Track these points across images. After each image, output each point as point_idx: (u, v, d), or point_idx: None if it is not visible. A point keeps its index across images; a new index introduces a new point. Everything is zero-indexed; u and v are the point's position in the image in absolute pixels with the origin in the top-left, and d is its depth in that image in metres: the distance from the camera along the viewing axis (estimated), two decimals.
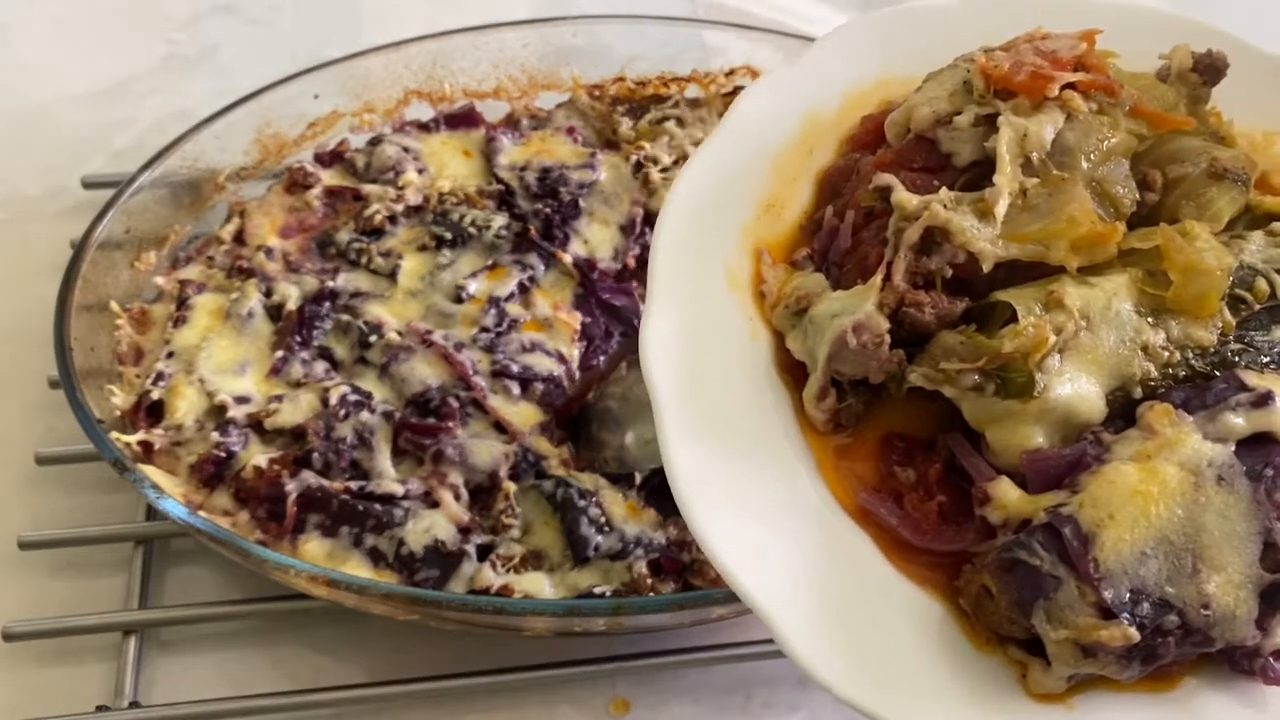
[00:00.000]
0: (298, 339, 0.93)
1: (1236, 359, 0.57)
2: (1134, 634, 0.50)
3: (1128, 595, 0.50)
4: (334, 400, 0.88)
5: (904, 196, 0.57)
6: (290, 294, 0.95)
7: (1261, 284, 0.57)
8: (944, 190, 0.57)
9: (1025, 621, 0.52)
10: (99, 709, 0.77)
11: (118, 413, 0.87)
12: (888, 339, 0.55)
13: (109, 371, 0.90)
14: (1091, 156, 0.59)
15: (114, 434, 0.82)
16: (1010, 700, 0.52)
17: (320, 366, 0.91)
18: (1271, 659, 0.52)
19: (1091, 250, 0.57)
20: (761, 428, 0.57)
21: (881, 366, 0.56)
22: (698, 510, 0.53)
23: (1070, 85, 0.59)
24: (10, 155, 1.16)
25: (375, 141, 1.08)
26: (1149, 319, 0.55)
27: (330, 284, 0.96)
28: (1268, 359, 0.57)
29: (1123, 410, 0.55)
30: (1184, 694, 0.53)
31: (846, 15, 1.33)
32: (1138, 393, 0.55)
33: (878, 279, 0.56)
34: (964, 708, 0.52)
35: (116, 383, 0.89)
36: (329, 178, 1.05)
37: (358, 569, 0.80)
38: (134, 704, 0.77)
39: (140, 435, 0.85)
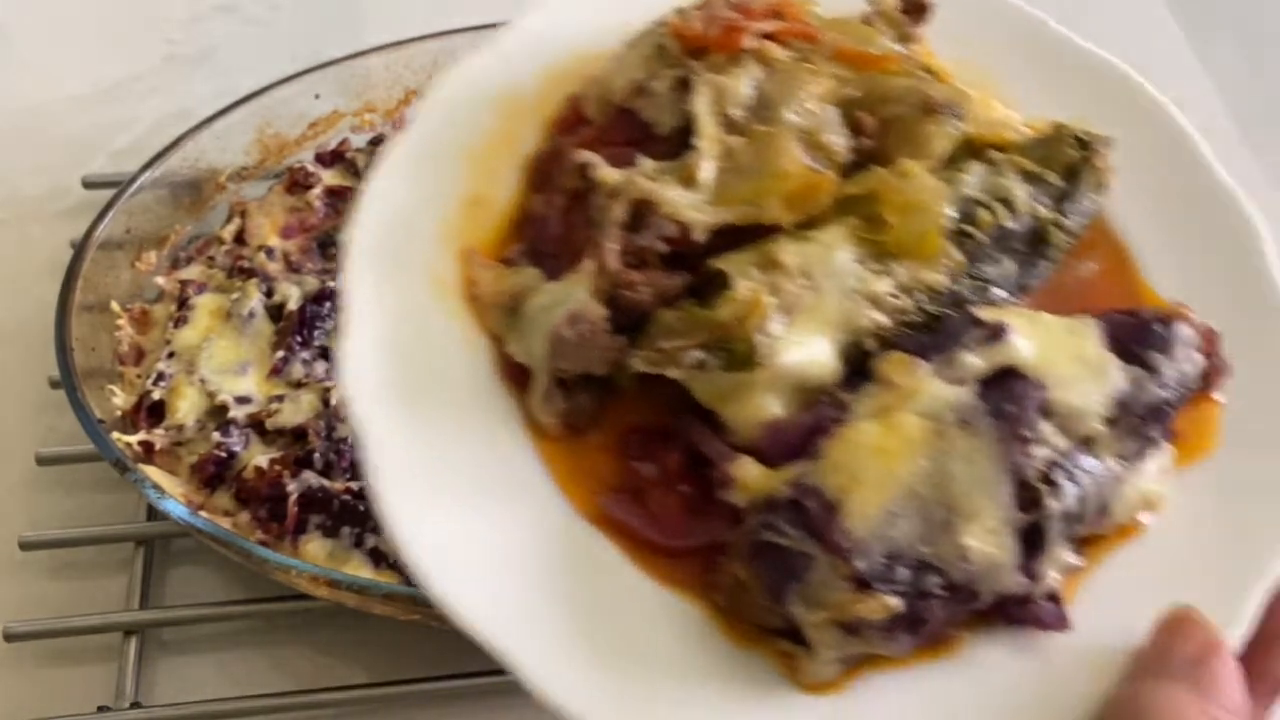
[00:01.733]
0: (299, 339, 0.92)
1: (972, 296, 0.54)
2: (894, 603, 0.46)
3: (882, 562, 0.46)
4: (335, 400, 0.87)
5: (605, 173, 0.53)
6: (291, 294, 0.95)
7: (985, 215, 0.55)
8: (647, 161, 0.53)
9: (781, 608, 0.47)
10: (100, 709, 0.76)
11: (118, 413, 0.87)
12: (606, 326, 0.51)
13: (110, 371, 0.90)
14: (797, 107, 0.55)
15: (115, 434, 0.82)
16: (781, 697, 0.48)
17: (321, 366, 0.91)
18: (1044, 603, 0.49)
19: (806, 203, 0.53)
20: (487, 443, 0.52)
21: (603, 356, 0.51)
22: (419, 551, 0.48)
23: (769, 36, 0.56)
24: (10, 155, 1.16)
25: (376, 141, 1.08)
26: (874, 267, 0.52)
27: (331, 284, 0.94)
28: (1004, 291, 0.55)
29: (861, 367, 0.51)
30: (964, 656, 0.49)
31: None
32: (873, 346, 0.52)
33: (589, 263, 0.52)
34: (732, 712, 0.48)
35: (117, 383, 0.89)
36: (330, 178, 1.05)
37: (359, 569, 0.80)
38: (135, 704, 0.76)
39: (141, 435, 0.85)
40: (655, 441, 0.53)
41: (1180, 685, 0.45)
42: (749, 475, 0.49)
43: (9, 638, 0.79)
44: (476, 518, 0.50)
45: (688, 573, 0.51)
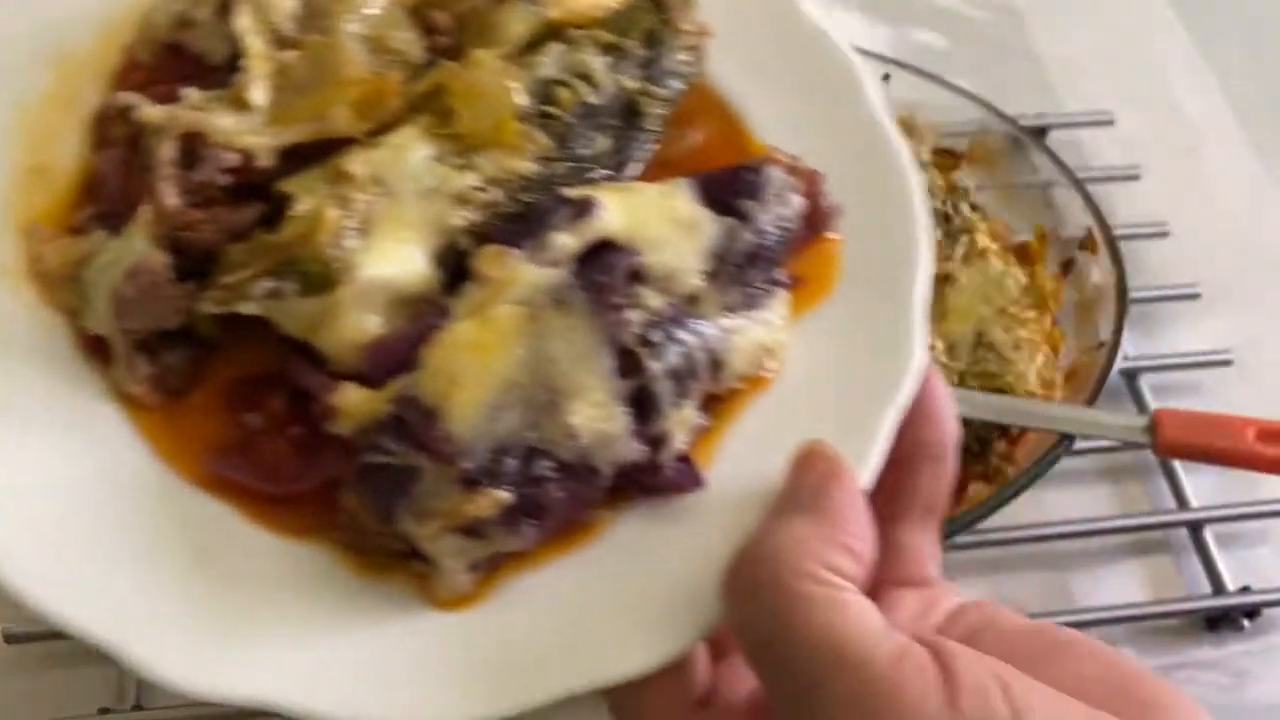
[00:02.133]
0: None
1: (569, 179, 0.52)
2: (503, 496, 0.44)
3: (488, 458, 0.44)
4: None
5: (147, 112, 0.49)
6: None
7: (565, 94, 0.53)
8: (193, 92, 0.50)
9: (393, 527, 0.45)
10: (102, 711, 0.75)
11: None
12: (169, 274, 0.47)
13: None
14: (354, 14, 0.52)
15: None
16: (417, 621, 0.46)
17: None
18: (672, 466, 0.48)
19: (375, 109, 0.50)
20: (63, 426, 0.48)
21: (172, 307, 0.47)
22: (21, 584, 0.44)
23: None
24: None
25: None
26: (455, 164, 0.50)
27: None
28: (605, 169, 0.53)
29: (462, 268, 0.49)
30: (606, 537, 0.48)
31: (849, 15, 1.19)
32: (469, 244, 0.49)
33: (146, 210, 0.48)
34: (364, 646, 0.46)
35: None
36: None
37: None
38: (137, 706, 0.75)
39: None
40: (260, 389, 0.50)
41: (804, 518, 0.44)
42: (350, 401, 0.46)
43: (9, 639, 0.76)
44: (57, 505, 0.46)
45: (312, 517, 0.48)
